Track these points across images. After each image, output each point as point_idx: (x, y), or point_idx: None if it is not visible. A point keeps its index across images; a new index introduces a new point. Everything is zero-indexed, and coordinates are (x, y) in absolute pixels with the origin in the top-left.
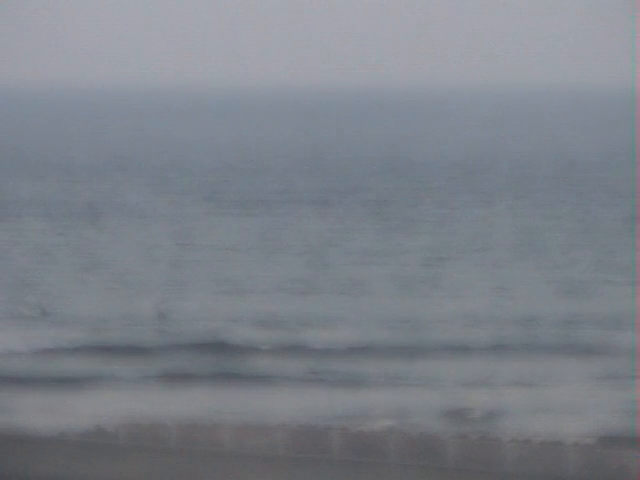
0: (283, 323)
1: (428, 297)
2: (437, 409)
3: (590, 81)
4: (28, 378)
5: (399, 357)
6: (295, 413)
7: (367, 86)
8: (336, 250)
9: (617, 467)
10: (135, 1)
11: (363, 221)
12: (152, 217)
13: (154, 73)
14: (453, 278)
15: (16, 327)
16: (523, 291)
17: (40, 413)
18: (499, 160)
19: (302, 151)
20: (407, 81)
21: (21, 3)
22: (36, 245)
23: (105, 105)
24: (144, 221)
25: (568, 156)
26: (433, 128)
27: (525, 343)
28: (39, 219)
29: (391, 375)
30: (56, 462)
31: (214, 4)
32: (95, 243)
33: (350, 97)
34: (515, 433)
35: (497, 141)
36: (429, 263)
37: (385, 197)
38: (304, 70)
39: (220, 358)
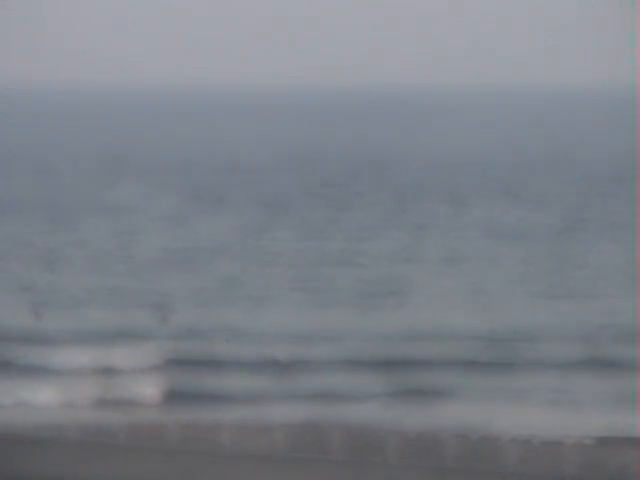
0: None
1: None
2: None
3: (590, 81)
4: None
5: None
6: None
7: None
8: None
9: (617, 467)
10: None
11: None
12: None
13: (152, 72)
14: None
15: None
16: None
17: None
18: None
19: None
20: (407, 81)
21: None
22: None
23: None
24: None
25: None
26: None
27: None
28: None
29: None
30: (56, 462)
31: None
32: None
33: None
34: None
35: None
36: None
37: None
38: (298, 70)
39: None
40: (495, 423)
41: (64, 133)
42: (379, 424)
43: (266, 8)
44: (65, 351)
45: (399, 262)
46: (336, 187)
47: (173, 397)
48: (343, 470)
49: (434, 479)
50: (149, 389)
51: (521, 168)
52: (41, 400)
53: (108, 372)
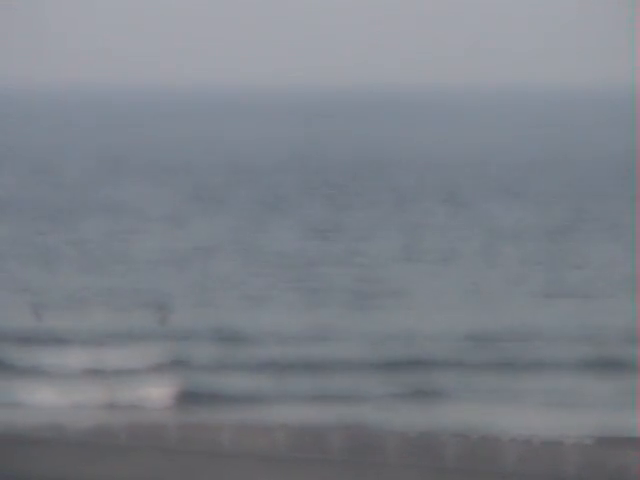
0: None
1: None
2: None
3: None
4: None
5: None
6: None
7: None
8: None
9: (617, 467)
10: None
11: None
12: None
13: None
14: None
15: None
16: None
17: None
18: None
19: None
20: (407, 81)
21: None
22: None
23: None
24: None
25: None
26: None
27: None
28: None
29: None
30: (56, 462)
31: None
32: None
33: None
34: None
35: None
36: None
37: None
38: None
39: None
40: (495, 423)
41: (64, 133)
42: (379, 424)
43: (266, 8)
44: (65, 351)
45: (398, 262)
46: (336, 187)
47: (172, 397)
48: (343, 470)
49: (434, 479)
50: (148, 389)
51: (521, 168)
52: (41, 400)
53: (107, 372)
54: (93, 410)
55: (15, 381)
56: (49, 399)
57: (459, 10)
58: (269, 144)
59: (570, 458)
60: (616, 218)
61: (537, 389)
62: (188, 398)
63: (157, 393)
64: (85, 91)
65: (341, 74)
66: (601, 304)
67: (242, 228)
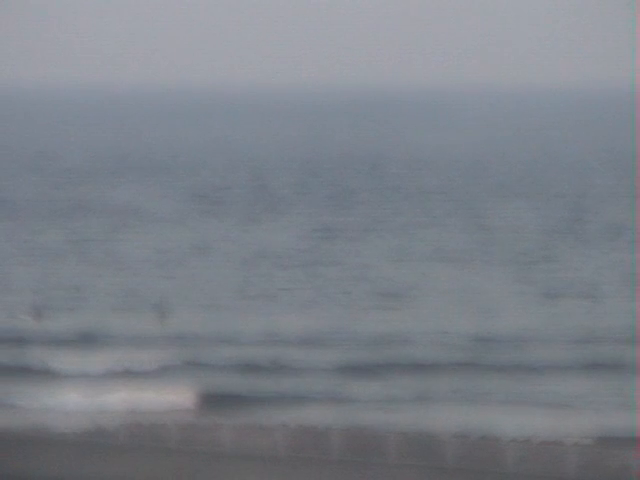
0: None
1: None
2: None
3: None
4: None
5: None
6: None
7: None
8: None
9: (617, 467)
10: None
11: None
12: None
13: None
14: None
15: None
16: None
17: None
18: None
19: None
20: (407, 81)
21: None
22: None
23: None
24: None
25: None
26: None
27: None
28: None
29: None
30: (56, 462)
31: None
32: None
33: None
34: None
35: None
36: None
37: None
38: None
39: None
40: (495, 424)
41: (64, 133)
42: (379, 425)
43: (266, 8)
44: (64, 352)
45: (398, 262)
46: (336, 187)
47: (173, 398)
48: (343, 470)
49: (434, 479)
50: (148, 390)
51: (520, 168)
52: (41, 400)
53: (107, 373)
54: (93, 410)
55: (16, 382)
56: (48, 399)
57: (459, 10)
58: (269, 144)
59: (570, 458)
60: (616, 218)
61: (537, 389)
62: (188, 398)
63: (157, 393)
64: (86, 91)
65: (341, 74)
66: (601, 304)
67: (242, 228)
